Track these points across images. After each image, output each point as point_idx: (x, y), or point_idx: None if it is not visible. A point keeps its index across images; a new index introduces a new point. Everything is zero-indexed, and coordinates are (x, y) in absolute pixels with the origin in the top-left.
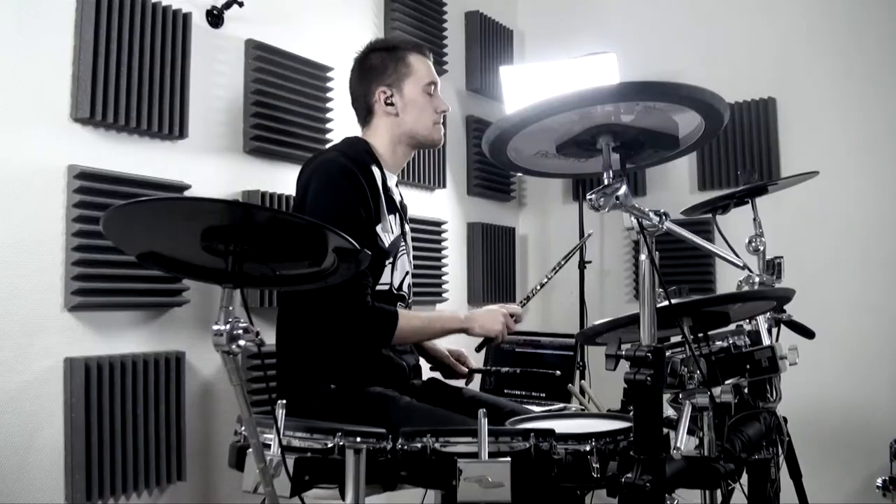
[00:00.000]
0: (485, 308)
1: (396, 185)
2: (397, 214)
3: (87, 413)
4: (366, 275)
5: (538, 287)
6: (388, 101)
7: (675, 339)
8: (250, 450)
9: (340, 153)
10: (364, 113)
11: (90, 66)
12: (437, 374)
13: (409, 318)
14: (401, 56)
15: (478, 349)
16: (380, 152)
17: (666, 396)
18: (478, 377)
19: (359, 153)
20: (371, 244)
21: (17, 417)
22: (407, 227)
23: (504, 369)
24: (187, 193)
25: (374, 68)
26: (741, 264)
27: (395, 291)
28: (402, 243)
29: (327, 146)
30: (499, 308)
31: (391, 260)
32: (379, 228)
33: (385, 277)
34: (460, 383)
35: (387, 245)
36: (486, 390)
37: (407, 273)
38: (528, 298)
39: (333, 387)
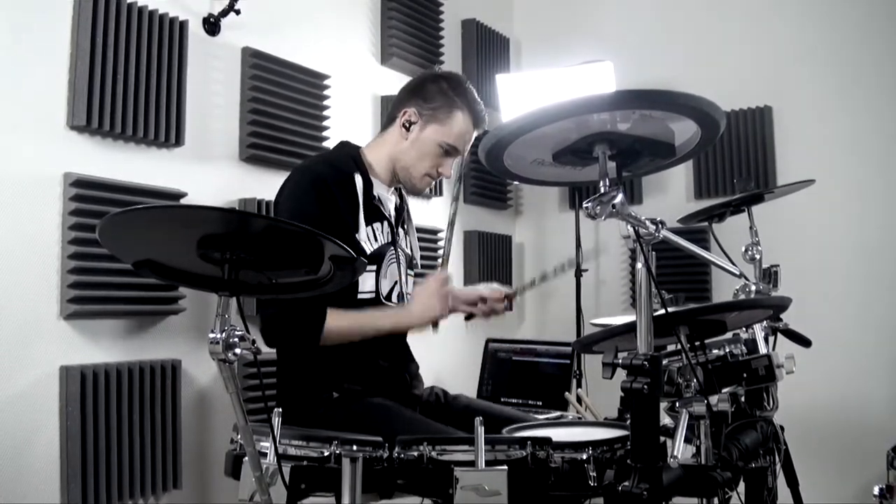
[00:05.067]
0: (416, 290)
1: (396, 192)
2: (385, 222)
3: (83, 421)
4: None
5: (530, 285)
6: (406, 125)
7: (672, 347)
8: (246, 458)
9: (318, 161)
10: (387, 120)
11: (86, 73)
12: (438, 381)
13: (339, 318)
14: (454, 105)
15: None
16: (372, 162)
17: (663, 405)
18: (475, 382)
19: (342, 159)
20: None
21: (13, 425)
22: (405, 235)
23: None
24: (183, 201)
25: (427, 92)
26: (738, 273)
27: (382, 300)
28: (392, 251)
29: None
30: (429, 284)
31: (373, 268)
32: (358, 236)
33: (368, 285)
34: (460, 390)
35: (367, 253)
36: (484, 397)
37: (396, 282)
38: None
39: (336, 395)
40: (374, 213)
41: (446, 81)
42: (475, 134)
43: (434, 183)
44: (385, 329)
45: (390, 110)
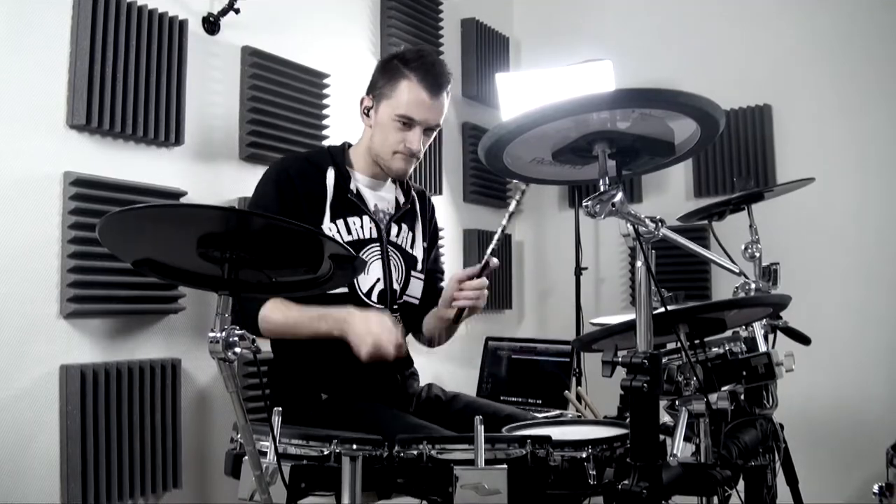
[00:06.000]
0: (370, 316)
1: (399, 188)
2: (364, 217)
3: (83, 420)
4: None
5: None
6: (366, 112)
7: (672, 345)
8: (246, 457)
9: (293, 155)
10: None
11: (86, 73)
12: (435, 378)
13: (277, 311)
14: (399, 76)
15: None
16: (357, 158)
17: (662, 403)
18: (475, 381)
19: (318, 155)
20: None
21: (13, 425)
22: (402, 232)
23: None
24: (183, 200)
25: (378, 75)
26: (737, 271)
27: (363, 298)
28: (376, 247)
29: None
30: (383, 324)
31: None
32: (327, 229)
33: None
34: (459, 389)
35: None
36: (484, 396)
37: (379, 279)
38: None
39: (325, 397)
40: (349, 206)
41: (398, 58)
42: (434, 101)
43: (414, 163)
44: (322, 334)
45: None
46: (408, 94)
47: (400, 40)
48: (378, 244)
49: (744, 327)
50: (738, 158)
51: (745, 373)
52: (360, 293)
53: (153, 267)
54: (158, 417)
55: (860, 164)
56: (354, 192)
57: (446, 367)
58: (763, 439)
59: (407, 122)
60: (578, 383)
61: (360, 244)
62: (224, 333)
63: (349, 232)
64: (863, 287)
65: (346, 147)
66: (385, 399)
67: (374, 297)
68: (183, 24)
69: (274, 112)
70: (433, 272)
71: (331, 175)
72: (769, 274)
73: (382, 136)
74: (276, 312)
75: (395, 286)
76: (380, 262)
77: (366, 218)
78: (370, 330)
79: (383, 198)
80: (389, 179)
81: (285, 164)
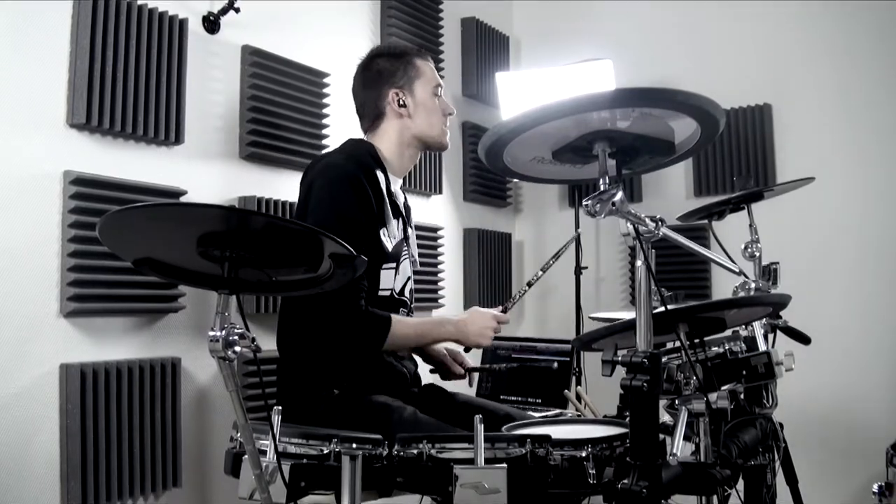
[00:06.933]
0: (474, 313)
1: (401, 189)
2: (400, 219)
3: (83, 419)
4: (361, 279)
5: (525, 289)
6: (401, 103)
7: (671, 344)
8: (246, 456)
9: (346, 157)
10: (372, 117)
11: (86, 71)
12: (436, 379)
13: (403, 325)
14: (408, 59)
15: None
16: (385, 156)
17: (662, 402)
18: (476, 381)
19: (364, 157)
20: (372, 249)
21: (13, 424)
22: (410, 231)
23: (499, 366)
24: (183, 199)
25: (383, 72)
26: (737, 270)
27: (396, 296)
28: (405, 247)
29: (330, 149)
30: (489, 314)
31: (394, 265)
32: (382, 233)
33: (387, 283)
34: (458, 386)
35: (389, 250)
36: (483, 395)
37: (409, 278)
38: (513, 302)
39: (336, 392)
40: (394, 209)
41: (383, 56)
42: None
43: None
44: (444, 338)
45: (367, 111)
46: (427, 66)
47: (400, 39)
48: (406, 243)
49: (744, 326)
50: (738, 158)
51: (744, 372)
52: (394, 293)
53: (153, 266)
54: (158, 416)
55: (860, 164)
56: (394, 194)
57: None
58: (763, 439)
59: (439, 89)
60: (578, 382)
61: (399, 245)
62: (224, 332)
63: (395, 235)
64: (863, 286)
65: (373, 146)
66: (393, 393)
67: (406, 294)
68: (183, 24)
69: (274, 111)
70: None
71: (381, 177)
72: (769, 273)
73: (428, 114)
74: (403, 327)
75: (413, 284)
76: (408, 261)
77: (400, 219)
78: (488, 327)
79: (401, 197)
80: (400, 178)
81: (349, 168)
